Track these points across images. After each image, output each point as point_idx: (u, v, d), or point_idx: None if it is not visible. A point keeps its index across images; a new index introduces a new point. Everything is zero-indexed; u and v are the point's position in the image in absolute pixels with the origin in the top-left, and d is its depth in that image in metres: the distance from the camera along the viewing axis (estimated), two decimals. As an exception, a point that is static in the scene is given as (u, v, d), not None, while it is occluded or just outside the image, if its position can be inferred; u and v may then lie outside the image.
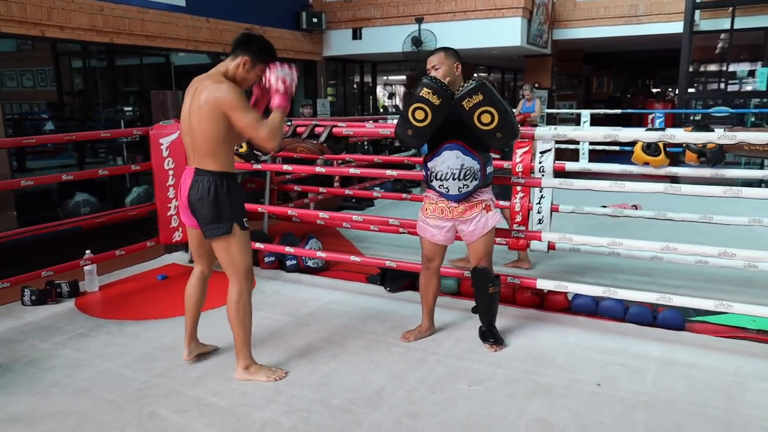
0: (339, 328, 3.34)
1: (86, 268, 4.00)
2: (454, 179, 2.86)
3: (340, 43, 11.29)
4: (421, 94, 2.70)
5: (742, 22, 9.17)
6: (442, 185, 2.91)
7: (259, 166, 4.37)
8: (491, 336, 3.08)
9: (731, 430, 2.30)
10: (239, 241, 2.61)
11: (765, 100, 9.29)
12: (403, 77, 16.44)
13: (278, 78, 2.49)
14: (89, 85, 8.28)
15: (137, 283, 4.23)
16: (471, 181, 2.87)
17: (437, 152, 2.89)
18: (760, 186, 6.92)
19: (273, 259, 4.49)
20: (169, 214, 4.39)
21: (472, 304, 3.66)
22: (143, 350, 3.08)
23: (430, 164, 2.93)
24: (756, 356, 2.93)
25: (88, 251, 4.05)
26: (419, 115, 2.73)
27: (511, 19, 9.83)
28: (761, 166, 8.12)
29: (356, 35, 11.08)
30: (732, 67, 11.00)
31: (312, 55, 11.34)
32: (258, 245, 4.31)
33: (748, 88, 10.72)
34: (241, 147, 3.89)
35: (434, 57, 2.90)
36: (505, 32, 9.90)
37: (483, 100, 2.66)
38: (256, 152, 3.90)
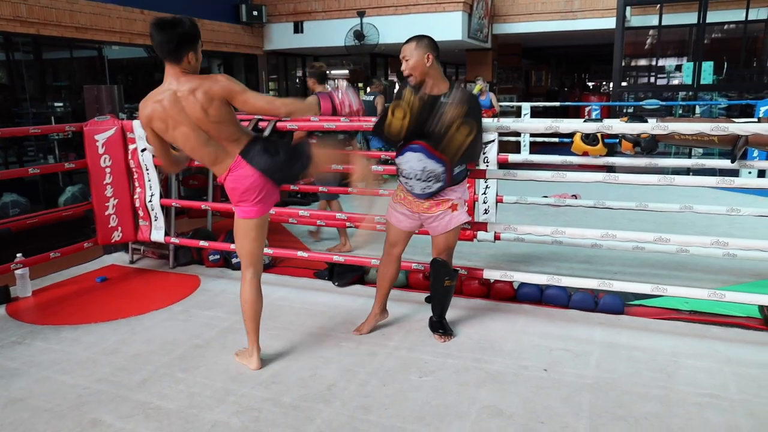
0: (288, 325, 3.31)
1: (17, 272, 3.79)
2: (417, 180, 2.84)
3: (281, 37, 11.12)
4: (403, 94, 2.69)
5: (670, 19, 9.59)
6: (408, 183, 2.90)
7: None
8: (440, 327, 3.10)
9: (669, 407, 2.42)
10: (323, 152, 2.76)
11: (691, 93, 9.76)
12: (346, 71, 16.38)
13: (349, 100, 2.79)
14: (14, 80, 7.84)
15: (74, 286, 4.05)
16: (434, 183, 2.83)
17: (402, 152, 2.86)
18: (688, 174, 7.28)
19: (218, 257, 4.39)
20: (107, 213, 4.21)
21: (421, 296, 3.70)
22: (83, 355, 2.96)
23: (396, 161, 2.92)
24: (689, 336, 3.08)
25: (19, 254, 3.84)
26: (399, 113, 2.70)
27: (452, 14, 9.93)
28: (689, 155, 8.54)
29: (298, 29, 10.94)
30: (661, 62, 11.50)
31: (253, 48, 11.13)
32: (202, 243, 4.21)
33: (676, 82, 11.24)
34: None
35: (404, 47, 2.80)
36: (446, 26, 9.99)
37: (467, 111, 2.65)
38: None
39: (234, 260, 4.29)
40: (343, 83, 2.54)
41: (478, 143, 2.77)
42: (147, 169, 4.20)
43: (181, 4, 8.89)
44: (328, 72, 4.94)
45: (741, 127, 2.95)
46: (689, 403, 2.45)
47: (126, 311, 3.53)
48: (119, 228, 4.27)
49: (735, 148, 3.33)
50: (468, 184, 3.14)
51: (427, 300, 3.35)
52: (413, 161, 2.81)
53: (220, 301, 3.71)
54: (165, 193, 4.41)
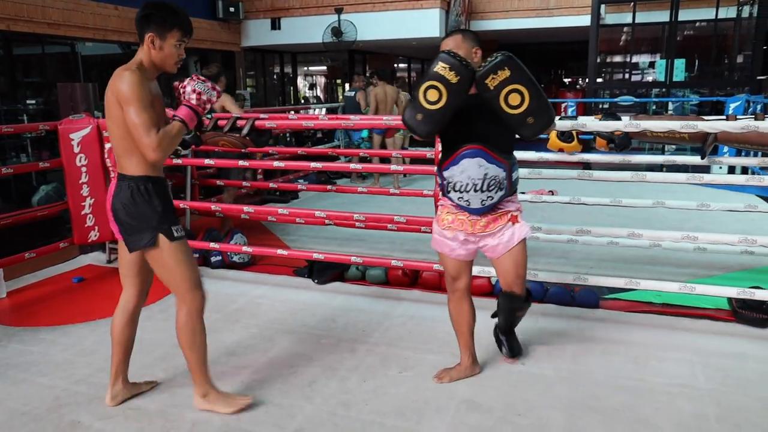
0: (268, 323, 3.32)
1: (-8, 273, 3.75)
2: (476, 191, 2.40)
3: (258, 34, 11.06)
4: (435, 69, 2.24)
5: (643, 17, 9.76)
6: (462, 197, 2.44)
7: (179, 161, 4.24)
8: (507, 344, 2.79)
9: (641, 397, 2.49)
10: (172, 254, 2.29)
11: (664, 90, 9.96)
12: (324, 68, 16.33)
13: (193, 90, 2.24)
14: (-16, 76, 7.70)
15: (51, 287, 4.00)
16: (496, 192, 2.42)
17: (455, 159, 2.41)
18: (661, 170, 7.43)
19: (197, 255, 4.37)
20: (83, 213, 4.18)
21: (400, 292, 3.74)
22: (61, 357, 2.94)
23: (446, 173, 2.46)
24: (661, 328, 3.17)
25: (-7, 255, 3.79)
26: (432, 95, 2.27)
27: (429, 11, 9.98)
28: (662, 152, 8.71)
29: (275, 25, 10.89)
30: (635, 59, 11.70)
31: (230, 45, 11.05)
32: (180, 242, 4.18)
33: (649, 78, 11.44)
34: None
35: (449, 40, 2.44)
36: (423, 23, 10.04)
37: (511, 77, 2.22)
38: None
39: (213, 258, 4.28)
40: (187, 83, 2.27)
41: (541, 105, 2.26)
42: (124, 168, 4.16)
43: None
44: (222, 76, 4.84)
45: (710, 124, 3.03)
46: (660, 393, 2.53)
47: (104, 311, 3.50)
48: (96, 227, 4.24)
49: (705, 145, 3.42)
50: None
51: (493, 316, 2.87)
52: (472, 169, 2.38)
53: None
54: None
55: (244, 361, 2.85)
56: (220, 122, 3.67)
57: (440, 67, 2.23)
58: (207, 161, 4.49)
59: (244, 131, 3.60)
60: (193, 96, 2.24)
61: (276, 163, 4.47)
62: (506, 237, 2.48)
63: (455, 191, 2.44)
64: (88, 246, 4.52)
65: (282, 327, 3.26)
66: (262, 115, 3.78)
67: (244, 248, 4.15)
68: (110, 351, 2.52)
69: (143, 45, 2.24)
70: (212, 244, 4.10)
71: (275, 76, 13.52)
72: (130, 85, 2.12)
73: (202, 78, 2.29)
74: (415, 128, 2.38)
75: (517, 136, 2.43)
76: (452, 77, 2.22)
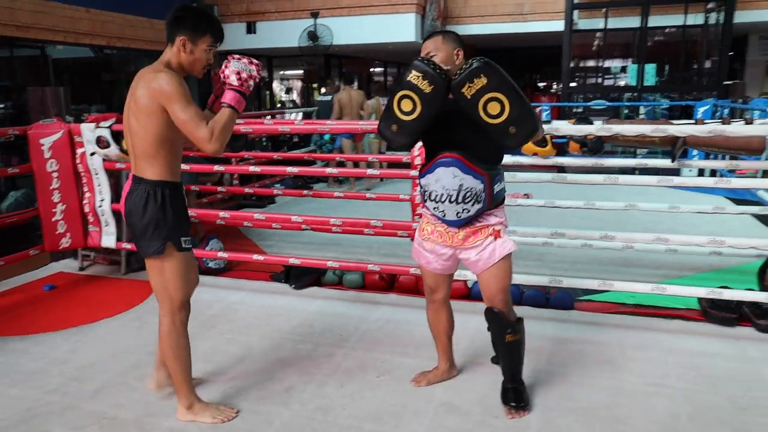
0: (244, 329, 3.29)
1: (-41, 281, 3.65)
2: (451, 202, 2.29)
3: (234, 38, 10.98)
4: (408, 78, 2.14)
5: (615, 23, 9.94)
6: (437, 208, 2.33)
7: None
8: (513, 396, 2.45)
9: (616, 397, 2.53)
10: (175, 265, 2.26)
11: (635, 94, 10.15)
12: (300, 72, 16.29)
13: (233, 71, 2.17)
14: (-49, 80, 7.52)
15: (21, 295, 3.91)
16: (472, 205, 2.28)
17: (430, 167, 2.31)
18: (633, 173, 7.56)
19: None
20: (54, 219, 4.09)
21: (377, 296, 3.74)
22: (32, 366, 2.87)
23: (422, 181, 2.36)
24: (634, 328, 3.22)
25: (-40, 263, 3.69)
26: (406, 105, 2.17)
27: (405, 15, 10.02)
28: (635, 155, 8.87)
29: (251, 29, 10.83)
30: (607, 63, 11.90)
31: (204, 48, 10.95)
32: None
33: (622, 83, 11.64)
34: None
35: (429, 42, 2.31)
36: (399, 28, 10.08)
37: (488, 84, 2.08)
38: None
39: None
40: (224, 67, 2.21)
41: (522, 113, 2.11)
42: (96, 174, 4.10)
43: (129, 2, 8.69)
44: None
45: (679, 128, 3.10)
46: (635, 392, 2.57)
47: (76, 320, 3.45)
48: (68, 234, 4.16)
49: (674, 149, 3.50)
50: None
51: (494, 361, 2.69)
52: (446, 178, 2.27)
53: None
54: (116, 197, 4.31)
55: (220, 367, 2.83)
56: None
57: (413, 76, 2.13)
58: (182, 166, 4.43)
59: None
60: (234, 77, 2.18)
61: (252, 168, 4.45)
62: (487, 253, 2.35)
63: (431, 200, 2.34)
64: (60, 253, 4.44)
65: (258, 333, 3.24)
66: (237, 120, 3.76)
67: (220, 254, 4.12)
68: (89, 359, 2.45)
69: (172, 47, 2.22)
70: (187, 250, 4.05)
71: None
72: (171, 84, 2.10)
73: (237, 57, 2.23)
74: (390, 140, 2.32)
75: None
76: (425, 87, 2.12)
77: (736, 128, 3.04)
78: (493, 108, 2.09)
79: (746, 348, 2.97)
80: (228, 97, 2.17)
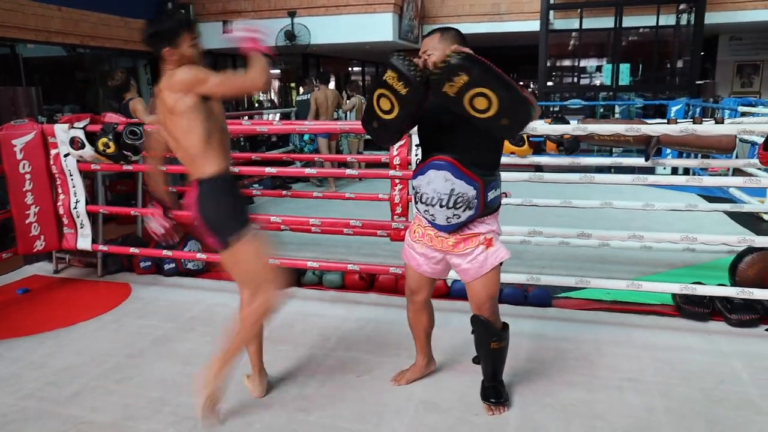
0: (223, 330, 3.26)
1: (-71, 286, 3.57)
2: (441, 206, 2.22)
3: (210, 37, 10.82)
4: (384, 78, 2.09)
5: (590, 23, 10.07)
6: (428, 211, 2.28)
7: (129, 167, 4.14)
8: (493, 393, 2.47)
9: (593, 392, 2.57)
10: (250, 251, 2.29)
11: (611, 93, 10.29)
12: (278, 71, 16.20)
13: (241, 29, 2.19)
14: None
15: (-7, 299, 3.84)
16: (464, 211, 2.22)
17: (422, 169, 2.25)
18: (609, 171, 7.67)
19: (150, 263, 4.27)
20: (27, 221, 4.02)
21: (357, 296, 3.75)
22: (6, 372, 2.82)
23: (414, 183, 2.31)
24: (610, 324, 3.28)
25: (-70, 267, 3.61)
26: (384, 104, 2.12)
27: (382, 15, 10.02)
28: (610, 154, 8.99)
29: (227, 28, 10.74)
30: (583, 63, 12.05)
31: (180, 48, 10.83)
32: (133, 250, 4.09)
33: (597, 82, 11.80)
34: (108, 147, 3.67)
35: (427, 39, 2.24)
36: (377, 27, 10.07)
37: (471, 80, 1.96)
38: (125, 152, 3.69)
39: (166, 266, 4.19)
40: (235, 25, 2.25)
41: (512, 102, 1.99)
42: (71, 175, 4.04)
43: (103, 0, 8.55)
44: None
45: (652, 128, 3.16)
46: (611, 387, 2.62)
47: (52, 323, 3.39)
48: (42, 237, 4.09)
49: (648, 148, 3.56)
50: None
51: (475, 361, 2.72)
52: (437, 182, 2.20)
53: (153, 309, 3.62)
54: (91, 199, 4.25)
55: (199, 369, 2.80)
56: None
57: (388, 76, 2.07)
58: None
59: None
60: (244, 32, 2.20)
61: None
62: (478, 263, 2.29)
63: (422, 203, 2.28)
64: (34, 256, 4.36)
65: (239, 334, 3.22)
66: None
67: (199, 255, 4.09)
68: (65, 363, 2.41)
69: (164, 61, 2.25)
70: (165, 252, 4.01)
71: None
72: (189, 70, 2.16)
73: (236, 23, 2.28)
74: (373, 137, 2.29)
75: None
76: (401, 88, 2.04)
77: (707, 127, 3.11)
78: (480, 103, 1.97)
79: (719, 342, 3.05)
80: (249, 45, 2.19)
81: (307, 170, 4.26)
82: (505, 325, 2.47)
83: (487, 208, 2.26)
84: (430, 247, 2.37)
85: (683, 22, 9.87)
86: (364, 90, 13.40)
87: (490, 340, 2.39)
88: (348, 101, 8.62)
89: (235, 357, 2.33)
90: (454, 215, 2.22)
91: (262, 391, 2.58)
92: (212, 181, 2.25)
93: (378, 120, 2.18)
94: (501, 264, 2.33)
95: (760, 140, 3.15)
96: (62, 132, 3.91)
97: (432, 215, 2.27)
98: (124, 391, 2.62)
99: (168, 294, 3.89)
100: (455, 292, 3.70)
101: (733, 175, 6.53)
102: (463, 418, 2.40)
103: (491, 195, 2.25)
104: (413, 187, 2.34)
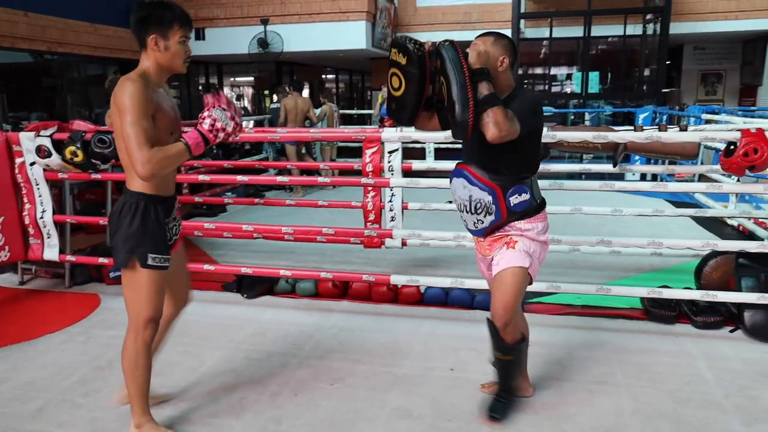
0: (196, 340, 3.23)
1: None
2: (467, 212, 2.31)
3: (181, 43, 10.79)
4: (390, 57, 2.19)
5: (559, 32, 10.24)
6: (462, 216, 2.37)
7: (98, 176, 4.07)
8: (492, 406, 2.43)
9: (564, 396, 2.60)
10: (140, 280, 2.18)
11: (581, 101, 10.47)
12: (251, 78, 16.12)
13: (211, 117, 2.06)
14: None
15: (-45, 312, 3.73)
16: (485, 216, 2.24)
17: (451, 177, 2.37)
18: (580, 178, 7.81)
19: (119, 273, 4.19)
20: (-9, 232, 3.92)
21: (330, 304, 3.74)
22: (-32, 387, 2.75)
23: (451, 189, 2.42)
24: (581, 328, 3.33)
25: None
26: (395, 82, 2.20)
27: (355, 23, 10.06)
28: (581, 160, 9.15)
29: (199, 35, 10.65)
30: (554, 71, 12.24)
31: (151, 55, 10.71)
32: (102, 260, 4.02)
33: (567, 90, 12.00)
34: (76, 156, 3.61)
35: (482, 37, 2.27)
36: (350, 35, 10.11)
37: (440, 67, 2.09)
38: (94, 161, 3.63)
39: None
40: (211, 100, 2.10)
41: (451, 104, 2.06)
42: (37, 184, 3.96)
43: (71, 6, 8.42)
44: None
45: (618, 135, 3.23)
46: (582, 390, 2.65)
47: (16, 336, 3.31)
48: (6, 247, 3.99)
49: (616, 154, 3.63)
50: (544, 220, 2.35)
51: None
52: (459, 189, 2.31)
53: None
54: (58, 208, 4.17)
55: (171, 380, 2.77)
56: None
57: (393, 53, 2.17)
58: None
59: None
60: (208, 122, 2.07)
61: (201, 177, 4.38)
62: (496, 261, 2.28)
63: (458, 209, 2.37)
64: (-2, 267, 4.26)
65: (210, 344, 3.19)
66: (186, 129, 3.69)
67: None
68: (29, 377, 2.37)
69: (146, 50, 2.12)
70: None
71: (200, 88, 13.21)
72: (128, 95, 1.99)
73: (227, 103, 2.11)
74: (396, 119, 2.32)
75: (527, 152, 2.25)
76: (401, 59, 2.12)
77: (671, 135, 3.19)
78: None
79: (685, 344, 3.11)
80: (191, 135, 2.06)
81: (279, 178, 4.24)
82: (522, 339, 2.40)
83: (513, 214, 2.23)
84: (480, 252, 2.43)
85: (650, 31, 10.11)
86: (338, 98, 13.41)
87: (497, 350, 2.37)
88: (318, 110, 8.57)
89: (138, 391, 2.24)
90: (478, 220, 2.29)
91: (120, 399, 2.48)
92: (132, 197, 2.15)
93: (393, 100, 2.24)
94: (521, 272, 2.24)
95: (723, 147, 3.24)
96: (28, 140, 3.83)
97: (464, 221, 2.37)
98: (93, 404, 2.57)
99: (138, 304, 3.82)
100: (428, 299, 3.72)
101: (698, 180, 6.69)
102: (434, 424, 2.40)
103: (514, 200, 2.23)
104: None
